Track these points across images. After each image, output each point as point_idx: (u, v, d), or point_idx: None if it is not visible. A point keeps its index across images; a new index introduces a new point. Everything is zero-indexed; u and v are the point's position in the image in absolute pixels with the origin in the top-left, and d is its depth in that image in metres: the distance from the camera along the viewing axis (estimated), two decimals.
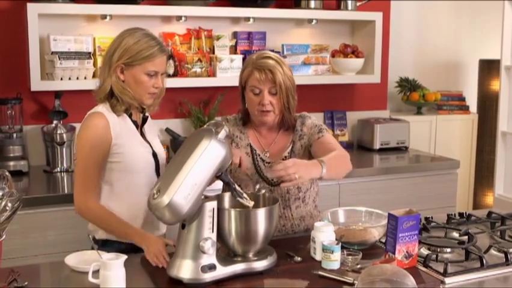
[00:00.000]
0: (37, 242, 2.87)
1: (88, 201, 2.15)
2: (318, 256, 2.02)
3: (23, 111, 3.36)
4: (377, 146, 4.05)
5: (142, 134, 2.30)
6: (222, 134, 1.85)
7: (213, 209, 1.83)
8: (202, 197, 1.83)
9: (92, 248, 2.21)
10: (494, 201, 4.37)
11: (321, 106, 4.14)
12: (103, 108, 2.19)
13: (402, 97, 4.53)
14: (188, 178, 1.76)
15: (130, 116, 2.25)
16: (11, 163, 3.23)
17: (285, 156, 2.36)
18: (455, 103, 4.59)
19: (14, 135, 3.29)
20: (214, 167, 1.82)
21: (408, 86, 4.51)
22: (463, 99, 4.63)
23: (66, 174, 3.31)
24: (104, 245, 2.21)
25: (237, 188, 1.93)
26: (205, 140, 1.81)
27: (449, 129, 4.46)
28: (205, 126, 1.94)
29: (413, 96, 4.46)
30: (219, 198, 1.91)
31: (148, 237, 2.09)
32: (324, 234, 2.02)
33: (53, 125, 3.35)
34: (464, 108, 4.59)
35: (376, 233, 2.17)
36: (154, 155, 2.27)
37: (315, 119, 2.44)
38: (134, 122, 2.26)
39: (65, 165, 3.33)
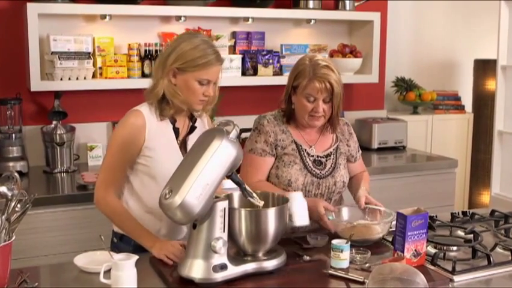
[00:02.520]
0: (37, 243, 2.85)
1: (107, 196, 2.14)
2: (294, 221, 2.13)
3: (22, 112, 3.34)
4: (375, 145, 4.07)
5: (184, 143, 2.24)
6: (233, 133, 1.85)
7: (224, 208, 1.83)
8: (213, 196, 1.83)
9: (112, 241, 2.22)
10: (491, 200, 4.40)
11: None
12: (145, 109, 2.17)
13: (399, 97, 4.55)
14: (200, 178, 1.75)
15: (173, 123, 2.20)
16: (11, 164, 3.22)
17: (330, 152, 2.44)
18: (450, 103, 4.62)
19: (14, 135, 3.27)
20: (226, 167, 1.82)
21: (404, 85, 4.54)
22: (458, 98, 4.67)
23: (66, 175, 3.30)
24: (121, 240, 2.23)
25: (247, 187, 1.93)
26: (216, 140, 1.81)
27: (445, 129, 4.49)
28: (215, 125, 1.94)
29: (409, 95, 4.49)
30: (228, 198, 1.91)
31: (161, 240, 2.09)
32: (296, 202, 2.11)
33: (53, 125, 3.34)
34: (460, 108, 4.63)
35: (379, 229, 2.18)
36: None
37: None
38: (176, 130, 2.21)
39: (65, 165, 3.32)
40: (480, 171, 4.64)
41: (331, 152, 2.44)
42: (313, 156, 2.40)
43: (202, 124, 2.32)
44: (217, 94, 2.23)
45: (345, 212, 2.36)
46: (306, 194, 2.34)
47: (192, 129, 2.26)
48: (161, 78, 2.13)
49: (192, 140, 2.21)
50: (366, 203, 2.37)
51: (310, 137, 2.44)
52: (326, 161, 2.41)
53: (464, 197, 4.63)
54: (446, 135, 4.49)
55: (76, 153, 3.47)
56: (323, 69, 2.31)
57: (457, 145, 4.54)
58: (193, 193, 1.74)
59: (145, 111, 2.15)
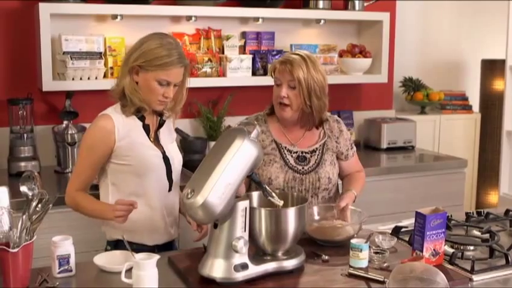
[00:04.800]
0: (47, 243, 2.83)
1: (71, 191, 2.22)
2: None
3: (34, 112, 3.34)
4: (384, 145, 4.07)
5: (157, 138, 2.26)
6: (254, 133, 1.85)
7: (245, 208, 1.83)
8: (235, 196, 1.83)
9: (106, 249, 2.23)
10: (499, 200, 4.40)
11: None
12: (112, 111, 2.20)
13: (406, 97, 4.56)
14: (222, 178, 1.76)
15: (142, 119, 2.22)
16: (22, 164, 3.22)
17: (316, 148, 2.43)
18: (458, 103, 4.62)
19: (25, 135, 3.26)
20: (247, 167, 1.82)
21: (412, 85, 4.54)
22: (465, 98, 4.67)
23: None
24: (116, 246, 2.22)
25: (267, 187, 1.94)
26: (238, 140, 1.81)
27: (452, 129, 4.49)
28: (236, 125, 1.94)
29: (417, 95, 4.49)
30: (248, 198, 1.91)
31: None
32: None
33: (64, 125, 3.34)
34: (467, 108, 4.63)
35: (351, 230, 2.18)
36: (166, 159, 2.24)
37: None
38: (146, 126, 2.22)
39: None
40: (488, 171, 4.65)
41: (316, 148, 2.43)
42: (296, 152, 2.40)
43: (169, 122, 2.34)
44: (185, 96, 2.26)
45: (315, 211, 2.34)
46: (289, 190, 2.34)
47: (161, 124, 2.28)
48: (123, 75, 2.16)
49: (163, 134, 2.29)
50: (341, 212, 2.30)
51: (294, 135, 2.43)
52: (311, 156, 2.41)
53: (472, 197, 4.63)
54: (453, 135, 4.49)
55: None
56: (292, 55, 2.31)
57: (465, 145, 4.54)
58: (215, 193, 1.74)
59: (113, 113, 2.18)
